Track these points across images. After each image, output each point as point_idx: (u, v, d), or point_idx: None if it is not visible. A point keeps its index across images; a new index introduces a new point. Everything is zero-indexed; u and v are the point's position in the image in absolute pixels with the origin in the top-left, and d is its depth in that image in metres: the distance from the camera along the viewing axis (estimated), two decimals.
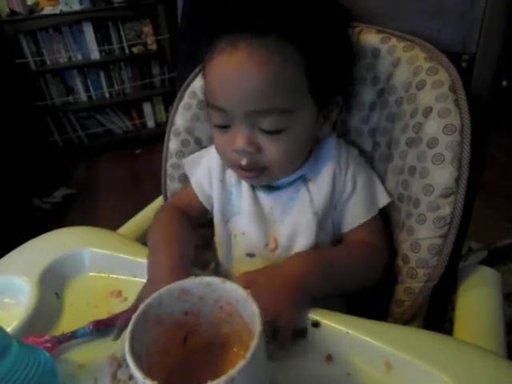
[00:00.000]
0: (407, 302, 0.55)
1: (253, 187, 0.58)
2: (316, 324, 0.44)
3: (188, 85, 0.68)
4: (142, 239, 0.63)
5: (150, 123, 2.73)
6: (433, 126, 0.50)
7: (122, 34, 2.44)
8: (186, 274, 0.42)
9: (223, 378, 0.28)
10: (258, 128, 0.49)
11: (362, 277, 0.54)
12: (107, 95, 2.59)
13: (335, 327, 0.43)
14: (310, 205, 0.55)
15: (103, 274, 0.56)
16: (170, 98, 2.56)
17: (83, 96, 2.56)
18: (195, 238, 0.59)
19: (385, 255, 0.56)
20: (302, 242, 0.55)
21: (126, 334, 0.33)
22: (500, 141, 1.63)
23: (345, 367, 0.41)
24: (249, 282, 0.46)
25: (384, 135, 0.60)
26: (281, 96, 0.47)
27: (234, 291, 0.36)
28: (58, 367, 0.42)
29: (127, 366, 0.31)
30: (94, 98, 2.57)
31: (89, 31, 2.39)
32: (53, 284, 0.53)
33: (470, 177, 0.49)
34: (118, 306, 0.51)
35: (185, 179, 0.69)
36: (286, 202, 0.56)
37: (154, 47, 2.52)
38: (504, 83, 2.03)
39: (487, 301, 0.54)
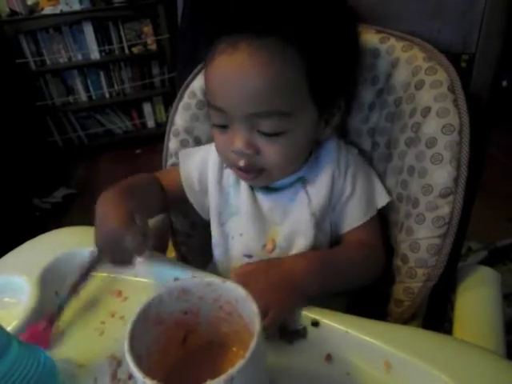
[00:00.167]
0: (406, 301, 0.55)
1: (251, 188, 0.58)
2: (315, 323, 0.44)
3: (188, 85, 0.68)
4: None
5: (150, 123, 2.73)
6: (431, 126, 0.50)
7: (122, 33, 2.44)
8: (133, 219, 0.45)
9: (223, 377, 0.28)
10: (257, 130, 0.48)
11: (360, 277, 0.55)
12: (107, 95, 2.59)
13: (335, 327, 0.43)
14: (307, 206, 0.55)
15: (103, 274, 0.56)
16: (169, 98, 2.55)
17: (83, 96, 2.56)
18: (160, 199, 0.60)
19: (382, 255, 0.57)
20: (301, 243, 0.55)
21: (126, 333, 0.33)
22: (500, 141, 1.63)
23: (344, 367, 0.41)
24: (247, 273, 0.47)
25: (383, 135, 0.60)
26: (281, 98, 0.46)
27: (234, 291, 0.36)
28: (57, 367, 0.42)
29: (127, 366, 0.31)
30: (93, 97, 2.57)
31: (89, 31, 2.39)
32: (53, 284, 0.53)
33: (470, 177, 0.49)
34: (118, 306, 0.51)
35: None
36: (285, 203, 0.56)
37: (153, 47, 2.52)
38: (504, 83, 2.03)
39: (487, 301, 0.54)
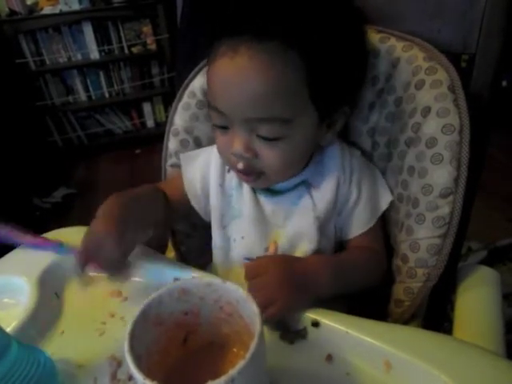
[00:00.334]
0: (406, 301, 0.55)
1: (254, 191, 0.58)
2: (316, 324, 0.44)
3: (187, 85, 0.68)
4: None
5: (150, 123, 2.73)
6: (432, 126, 0.50)
7: (122, 33, 2.44)
8: (121, 233, 0.47)
9: (223, 378, 0.28)
10: (256, 134, 0.48)
11: (364, 281, 0.55)
12: (107, 95, 2.59)
13: (335, 327, 0.43)
14: (312, 210, 0.55)
15: (103, 274, 0.56)
16: (169, 97, 2.55)
17: (83, 96, 2.56)
18: (166, 211, 0.60)
19: (384, 259, 0.58)
20: (304, 247, 0.55)
21: (126, 334, 0.33)
22: (500, 141, 1.63)
23: (344, 367, 0.41)
24: (260, 264, 0.48)
25: (383, 135, 0.60)
26: (281, 103, 0.46)
27: (235, 291, 0.36)
28: (57, 367, 0.42)
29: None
30: (93, 97, 2.57)
31: (88, 31, 2.38)
32: (53, 284, 0.53)
33: (470, 177, 0.49)
34: (118, 306, 0.51)
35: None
36: (288, 206, 0.56)
37: (153, 47, 2.52)
38: (504, 83, 2.03)
39: (486, 301, 0.54)
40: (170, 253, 0.74)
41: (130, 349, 0.32)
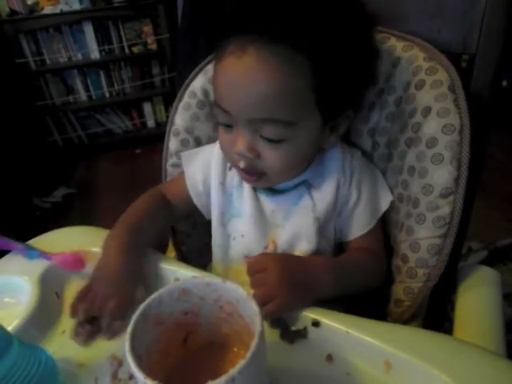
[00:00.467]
0: (407, 301, 0.55)
1: (254, 189, 0.58)
2: (316, 324, 0.44)
3: (188, 85, 0.68)
4: None
5: (150, 123, 2.72)
6: (432, 126, 0.50)
7: (122, 33, 2.44)
8: (135, 254, 0.50)
9: (224, 377, 0.28)
10: (259, 135, 0.48)
11: (365, 284, 0.55)
12: (107, 95, 2.59)
13: (335, 327, 0.43)
14: (312, 210, 0.55)
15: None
16: (170, 97, 2.55)
17: (83, 96, 2.55)
18: (168, 220, 0.62)
19: (384, 262, 0.58)
20: (303, 247, 0.55)
21: (127, 333, 0.33)
22: (500, 141, 1.63)
23: (345, 367, 0.41)
24: (263, 259, 0.48)
25: (383, 135, 0.60)
26: (285, 106, 0.46)
27: (235, 291, 0.36)
28: (58, 366, 0.42)
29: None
30: (94, 97, 2.57)
31: (89, 31, 2.38)
32: (53, 284, 0.53)
33: (470, 177, 0.49)
34: None
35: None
36: (288, 206, 0.56)
37: (154, 47, 2.52)
38: (504, 83, 2.03)
39: (487, 300, 0.54)
40: (171, 253, 0.74)
41: (131, 348, 0.32)
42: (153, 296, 0.36)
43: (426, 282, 0.52)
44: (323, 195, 0.55)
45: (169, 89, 2.61)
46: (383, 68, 0.57)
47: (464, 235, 0.57)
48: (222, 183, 0.59)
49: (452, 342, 0.42)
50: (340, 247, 0.60)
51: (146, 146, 2.52)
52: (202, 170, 0.61)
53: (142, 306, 0.35)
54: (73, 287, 0.55)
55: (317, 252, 0.55)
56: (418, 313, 0.56)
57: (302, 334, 0.44)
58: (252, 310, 0.33)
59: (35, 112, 2.39)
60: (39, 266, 0.54)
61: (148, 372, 0.30)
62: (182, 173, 0.64)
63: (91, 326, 0.46)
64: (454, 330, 0.50)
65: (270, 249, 0.56)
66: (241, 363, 0.29)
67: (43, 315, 0.49)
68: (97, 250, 0.57)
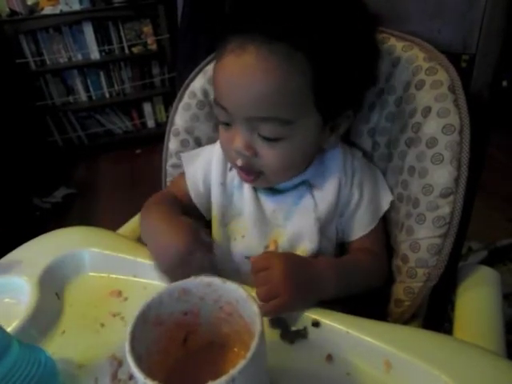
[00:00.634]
0: (407, 301, 0.55)
1: (255, 190, 0.58)
2: (316, 324, 0.44)
3: (188, 85, 0.68)
4: None
5: (150, 123, 2.72)
6: (432, 126, 0.50)
7: (122, 34, 2.44)
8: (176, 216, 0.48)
9: (224, 377, 0.28)
10: (257, 133, 0.48)
11: (367, 284, 0.55)
12: (107, 95, 2.59)
13: (335, 327, 0.43)
14: (313, 210, 0.55)
15: (103, 274, 0.56)
16: (170, 97, 2.55)
17: (83, 96, 2.55)
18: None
19: (386, 262, 0.58)
20: (305, 247, 0.55)
21: (127, 334, 0.33)
22: (500, 141, 1.63)
23: (345, 367, 0.41)
24: (269, 257, 0.48)
25: (383, 135, 0.60)
26: (284, 105, 0.46)
27: (235, 291, 0.36)
28: (58, 367, 0.42)
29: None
30: (93, 97, 2.57)
31: (89, 31, 2.38)
32: (53, 284, 0.53)
33: (470, 177, 0.49)
34: (118, 306, 0.51)
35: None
36: (289, 206, 0.56)
37: (154, 47, 2.52)
38: (504, 83, 2.03)
39: (487, 301, 0.54)
40: None
41: (131, 349, 0.32)
42: (153, 296, 0.36)
43: (426, 282, 0.52)
44: (325, 195, 0.55)
45: (169, 89, 2.61)
46: (383, 68, 0.57)
47: (464, 235, 0.57)
48: (223, 184, 0.59)
49: (452, 342, 0.42)
50: (342, 247, 0.60)
51: (146, 146, 2.53)
52: (203, 170, 0.61)
53: (141, 307, 0.35)
54: (73, 287, 0.55)
55: (318, 252, 0.55)
56: (418, 313, 0.56)
57: (302, 334, 0.44)
58: (252, 311, 0.33)
59: (35, 112, 2.40)
60: (39, 266, 0.54)
61: (148, 372, 0.30)
62: (183, 174, 0.64)
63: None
64: (453, 330, 0.50)
65: (271, 249, 0.56)
66: (241, 363, 0.29)
67: (43, 316, 0.49)
68: (97, 250, 0.57)
